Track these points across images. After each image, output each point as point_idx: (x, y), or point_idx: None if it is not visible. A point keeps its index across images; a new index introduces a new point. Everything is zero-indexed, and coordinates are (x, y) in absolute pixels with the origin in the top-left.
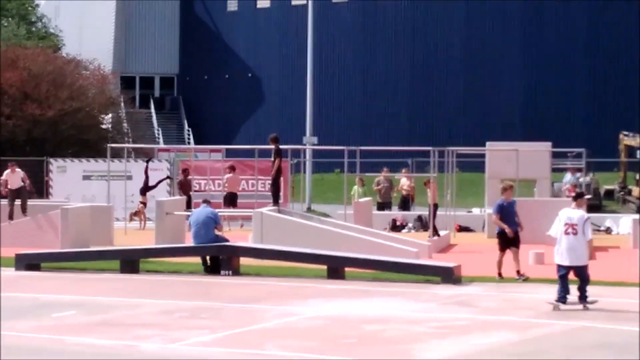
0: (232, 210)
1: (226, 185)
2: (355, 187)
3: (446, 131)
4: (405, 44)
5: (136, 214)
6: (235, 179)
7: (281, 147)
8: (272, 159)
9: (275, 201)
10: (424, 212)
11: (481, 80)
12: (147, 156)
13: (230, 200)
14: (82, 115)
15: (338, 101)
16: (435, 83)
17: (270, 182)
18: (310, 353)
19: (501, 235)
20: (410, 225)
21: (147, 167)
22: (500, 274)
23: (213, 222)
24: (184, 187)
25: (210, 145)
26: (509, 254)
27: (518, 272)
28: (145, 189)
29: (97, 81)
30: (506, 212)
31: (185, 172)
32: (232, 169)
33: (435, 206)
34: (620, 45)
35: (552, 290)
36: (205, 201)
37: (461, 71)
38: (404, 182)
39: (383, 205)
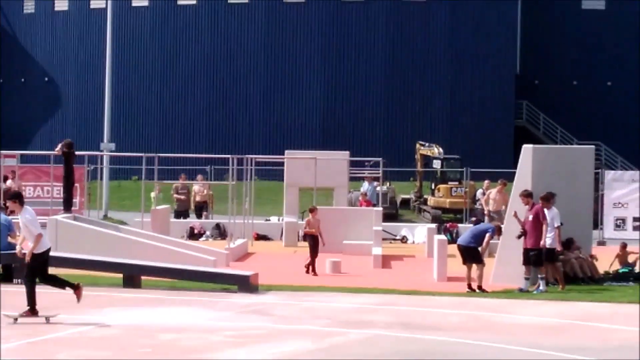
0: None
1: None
2: (153, 193)
3: (247, 139)
4: (205, 48)
5: None
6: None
7: (78, 153)
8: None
9: (67, 208)
10: (223, 220)
11: (281, 89)
12: None
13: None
14: None
15: (137, 107)
16: (235, 89)
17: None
18: None
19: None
20: (208, 233)
21: None
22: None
23: (6, 229)
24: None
25: (4, 151)
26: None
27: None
28: None
29: None
30: None
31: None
32: (12, 174)
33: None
34: (420, 55)
35: (349, 299)
36: None
37: (261, 78)
38: (197, 189)
39: (180, 213)
